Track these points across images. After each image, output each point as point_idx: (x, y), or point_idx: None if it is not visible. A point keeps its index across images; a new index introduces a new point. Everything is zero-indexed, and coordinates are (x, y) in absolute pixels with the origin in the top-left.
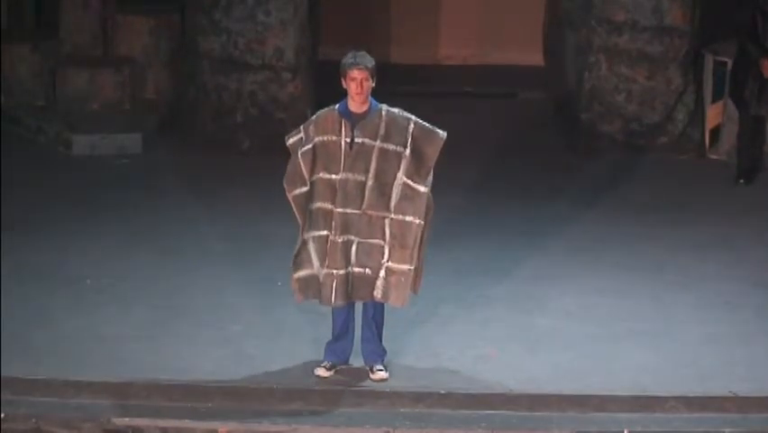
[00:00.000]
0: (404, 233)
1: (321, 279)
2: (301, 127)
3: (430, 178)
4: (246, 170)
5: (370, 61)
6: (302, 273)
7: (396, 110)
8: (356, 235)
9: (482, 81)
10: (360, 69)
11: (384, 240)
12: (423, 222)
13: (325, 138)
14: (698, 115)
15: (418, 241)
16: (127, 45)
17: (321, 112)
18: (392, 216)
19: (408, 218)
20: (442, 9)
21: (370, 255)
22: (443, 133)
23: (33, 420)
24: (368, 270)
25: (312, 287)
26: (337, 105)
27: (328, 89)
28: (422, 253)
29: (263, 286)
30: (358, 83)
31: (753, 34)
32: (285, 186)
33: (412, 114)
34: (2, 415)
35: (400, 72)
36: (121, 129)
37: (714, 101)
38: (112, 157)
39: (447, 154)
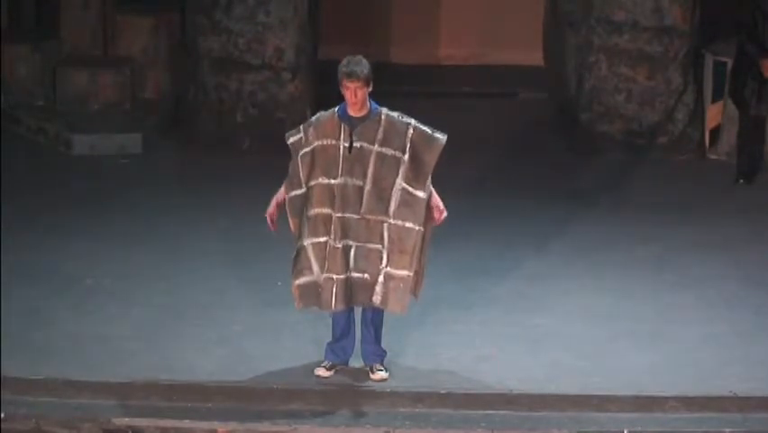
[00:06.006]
0: (402, 238)
1: (320, 284)
2: (301, 127)
3: (429, 183)
4: (246, 170)
5: (363, 69)
6: (302, 280)
7: (395, 114)
8: (354, 240)
9: (482, 81)
10: (352, 80)
11: (382, 245)
12: (422, 228)
13: (325, 142)
14: (698, 114)
15: (418, 246)
16: (127, 45)
17: (321, 115)
18: (391, 221)
19: (408, 224)
20: (442, 9)
21: (369, 260)
22: (442, 138)
23: (33, 420)
24: (366, 275)
25: (312, 294)
26: (337, 108)
27: (328, 89)
28: (424, 257)
29: (263, 286)
30: (352, 92)
31: (753, 34)
32: (284, 186)
33: (412, 114)
34: (2, 415)
35: (400, 72)
36: (121, 129)
37: (714, 101)
38: (112, 157)
39: (447, 154)
